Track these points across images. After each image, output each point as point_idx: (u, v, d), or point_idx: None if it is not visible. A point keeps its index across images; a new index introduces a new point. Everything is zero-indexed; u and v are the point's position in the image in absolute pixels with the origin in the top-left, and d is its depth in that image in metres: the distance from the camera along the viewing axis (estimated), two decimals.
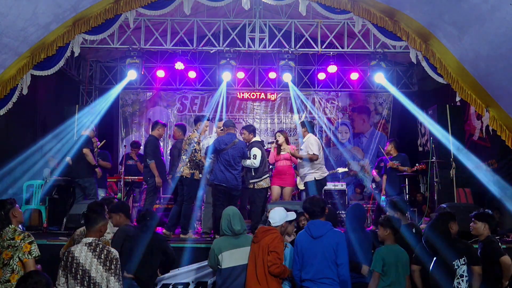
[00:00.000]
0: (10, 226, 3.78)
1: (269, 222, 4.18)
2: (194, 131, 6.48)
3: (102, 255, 3.43)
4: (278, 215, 4.18)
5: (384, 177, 7.49)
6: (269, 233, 4.02)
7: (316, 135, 7.14)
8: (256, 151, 6.37)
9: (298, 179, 8.20)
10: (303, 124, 6.94)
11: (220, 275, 4.09)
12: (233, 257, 4.05)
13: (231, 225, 4.12)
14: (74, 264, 3.38)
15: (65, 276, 3.40)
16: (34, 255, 3.64)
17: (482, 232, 4.23)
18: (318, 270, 3.74)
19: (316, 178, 6.57)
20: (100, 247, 3.49)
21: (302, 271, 3.84)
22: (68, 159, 7.13)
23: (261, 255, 3.93)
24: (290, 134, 10.83)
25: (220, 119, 7.00)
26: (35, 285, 2.83)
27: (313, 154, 6.50)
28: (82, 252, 3.42)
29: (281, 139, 6.91)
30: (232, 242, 4.13)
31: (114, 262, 3.45)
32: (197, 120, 6.61)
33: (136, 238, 4.40)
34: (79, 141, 7.00)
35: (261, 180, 6.42)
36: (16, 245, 3.64)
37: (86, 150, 6.80)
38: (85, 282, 3.34)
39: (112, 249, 3.55)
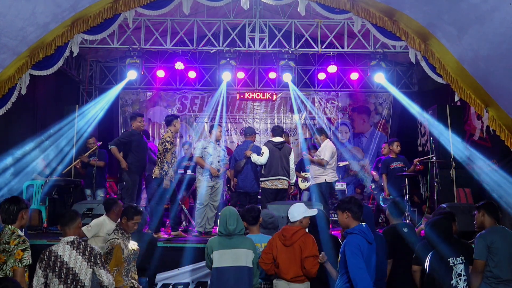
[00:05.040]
0: (10, 226, 3.53)
1: (288, 218, 4.16)
2: (168, 131, 6.41)
3: (86, 252, 3.47)
4: (296, 211, 4.15)
5: (385, 176, 7.50)
6: (298, 234, 4.00)
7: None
8: (264, 149, 6.76)
9: (299, 179, 8.22)
10: (320, 131, 7.38)
11: (212, 275, 4.06)
12: (224, 257, 3.98)
13: (226, 225, 4.06)
14: (58, 263, 3.39)
15: (45, 277, 3.40)
16: (25, 264, 3.39)
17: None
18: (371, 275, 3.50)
19: (327, 181, 7.02)
20: (83, 244, 3.52)
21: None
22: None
23: (297, 258, 3.94)
24: (290, 134, 10.83)
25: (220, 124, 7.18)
26: None
27: (322, 159, 6.99)
28: (66, 251, 3.43)
29: None
30: (224, 242, 4.06)
31: (99, 257, 3.51)
32: (170, 120, 6.49)
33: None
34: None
35: (266, 180, 6.66)
36: (9, 250, 3.40)
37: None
38: (69, 280, 3.36)
39: (94, 246, 3.60)
